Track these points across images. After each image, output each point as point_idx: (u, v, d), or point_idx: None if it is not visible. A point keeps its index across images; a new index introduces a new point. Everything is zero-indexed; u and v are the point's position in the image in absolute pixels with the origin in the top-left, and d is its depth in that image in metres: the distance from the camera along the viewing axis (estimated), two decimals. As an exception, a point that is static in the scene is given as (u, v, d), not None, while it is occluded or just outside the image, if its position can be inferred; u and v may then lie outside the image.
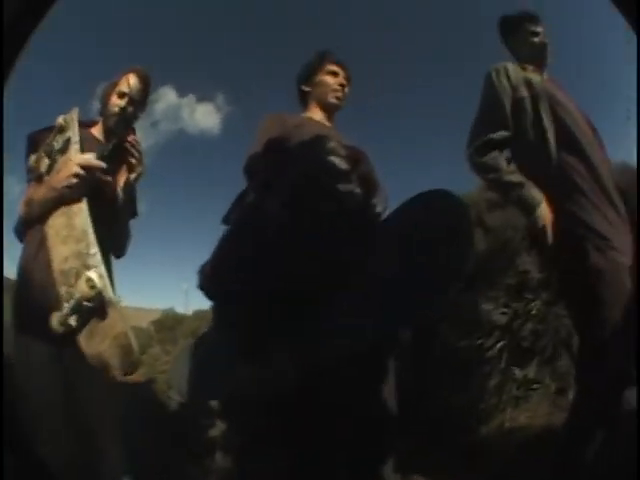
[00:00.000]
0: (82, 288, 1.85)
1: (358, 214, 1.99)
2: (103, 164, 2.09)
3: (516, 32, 2.57)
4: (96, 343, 1.84)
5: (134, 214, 2.49)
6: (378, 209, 2.08)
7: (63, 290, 1.92)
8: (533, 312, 4.27)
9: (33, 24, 1.48)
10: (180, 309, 9.25)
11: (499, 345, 4.25)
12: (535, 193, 2.28)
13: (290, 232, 1.84)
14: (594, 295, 2.23)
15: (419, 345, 4.32)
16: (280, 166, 2.05)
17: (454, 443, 3.61)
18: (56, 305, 1.91)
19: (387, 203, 2.13)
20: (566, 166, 2.34)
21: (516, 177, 2.32)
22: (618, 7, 1.54)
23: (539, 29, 2.52)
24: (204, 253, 2.03)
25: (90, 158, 2.07)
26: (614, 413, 2.24)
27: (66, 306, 1.87)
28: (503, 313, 4.36)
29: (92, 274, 1.87)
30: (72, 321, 1.87)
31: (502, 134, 2.38)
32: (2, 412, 1.38)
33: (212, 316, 2.31)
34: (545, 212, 2.26)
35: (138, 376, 5.44)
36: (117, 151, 2.23)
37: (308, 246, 1.81)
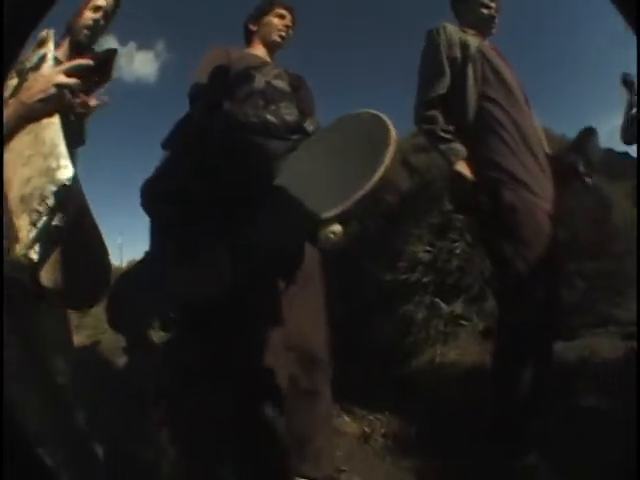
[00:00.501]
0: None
1: (292, 130, 2.22)
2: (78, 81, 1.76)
3: (466, 1, 2.71)
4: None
5: (83, 142, 2.30)
6: (310, 128, 2.30)
7: (23, 220, 1.44)
8: (457, 251, 4.47)
9: (33, 24, 1.43)
10: (116, 262, 8.95)
11: (424, 280, 4.43)
12: (459, 147, 2.44)
13: (231, 143, 2.05)
14: (509, 233, 2.37)
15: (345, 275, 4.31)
16: (225, 90, 2.22)
17: (384, 375, 3.70)
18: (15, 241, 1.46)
19: (317, 124, 2.35)
20: (488, 117, 2.50)
21: (448, 134, 2.46)
22: (618, 7, 1.51)
23: (492, 4, 2.66)
24: (139, 206, 2.03)
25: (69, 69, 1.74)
26: (536, 351, 2.37)
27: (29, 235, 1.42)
28: (427, 251, 4.53)
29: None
30: (33, 254, 1.41)
31: (440, 91, 2.49)
32: (2, 412, 1.29)
33: (150, 234, 2.19)
34: (465, 168, 2.44)
35: (83, 338, 5.48)
36: (89, 71, 1.89)
37: (245, 156, 2.01)
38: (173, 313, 2.22)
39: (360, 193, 1.80)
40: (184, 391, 2.66)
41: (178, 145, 2.14)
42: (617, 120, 4.71)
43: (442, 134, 2.46)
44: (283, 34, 2.60)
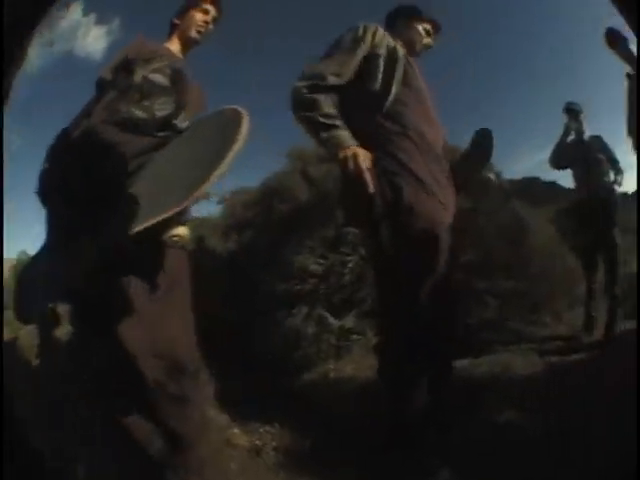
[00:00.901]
0: None
1: (161, 127, 2.09)
2: None
3: (408, 25, 2.64)
4: None
5: None
6: (182, 124, 2.14)
7: None
8: (350, 265, 4.27)
9: (33, 24, 1.45)
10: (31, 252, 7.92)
11: (314, 293, 4.24)
12: (346, 138, 2.16)
13: (102, 139, 1.96)
14: (406, 239, 2.18)
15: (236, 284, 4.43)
16: (111, 84, 2.17)
17: (276, 387, 3.58)
18: None
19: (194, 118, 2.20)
20: (400, 119, 2.31)
21: (331, 120, 2.18)
22: (618, 7, 1.53)
23: (429, 39, 2.65)
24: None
25: None
26: (432, 363, 2.23)
27: None
28: (319, 263, 4.33)
29: None
30: None
31: (337, 80, 2.27)
32: (2, 412, 1.37)
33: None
34: (356, 157, 2.10)
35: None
36: None
37: (111, 153, 1.94)
38: (52, 303, 2.28)
39: (194, 194, 1.70)
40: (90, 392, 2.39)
41: (64, 140, 2.05)
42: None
43: (322, 120, 2.17)
44: (201, 29, 2.47)
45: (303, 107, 2.22)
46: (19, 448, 1.44)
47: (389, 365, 2.32)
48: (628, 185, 4.63)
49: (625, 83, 3.35)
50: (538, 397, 2.92)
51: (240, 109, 1.82)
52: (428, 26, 2.64)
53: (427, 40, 2.64)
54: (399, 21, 2.65)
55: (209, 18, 2.50)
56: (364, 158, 2.07)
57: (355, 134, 2.18)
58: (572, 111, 4.65)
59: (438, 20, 2.69)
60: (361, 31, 2.35)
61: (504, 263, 4.71)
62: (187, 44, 2.50)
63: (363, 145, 2.14)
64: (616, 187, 4.54)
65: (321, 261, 4.30)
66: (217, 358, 3.22)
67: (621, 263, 4.50)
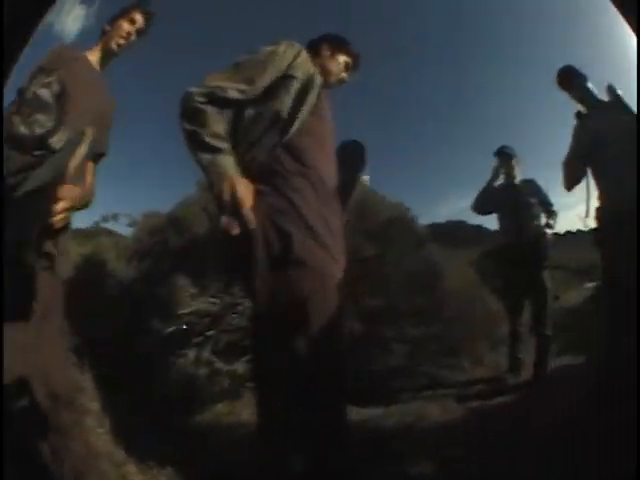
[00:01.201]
0: None
1: (36, 145, 2.00)
2: None
3: (332, 55, 2.47)
4: None
5: None
6: (58, 145, 2.01)
7: None
8: (240, 308, 3.98)
9: (33, 24, 1.47)
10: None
11: (207, 334, 3.95)
12: (229, 166, 1.88)
13: None
14: (292, 295, 1.91)
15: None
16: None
17: (172, 426, 3.39)
18: None
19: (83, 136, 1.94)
20: (301, 156, 2.04)
21: (217, 141, 1.91)
22: (618, 7, 1.54)
23: (346, 75, 2.51)
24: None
25: None
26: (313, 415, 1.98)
27: None
28: (212, 303, 4.05)
29: None
30: None
31: (239, 95, 2.01)
32: (2, 412, 1.43)
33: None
34: (236, 189, 1.82)
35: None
36: None
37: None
38: None
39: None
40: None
41: None
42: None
43: (208, 139, 1.89)
44: (122, 42, 2.39)
45: (190, 118, 1.94)
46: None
47: (270, 416, 2.08)
48: (563, 224, 4.48)
49: (574, 122, 3.37)
50: (457, 445, 2.73)
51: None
52: (350, 60, 2.48)
53: (344, 75, 2.47)
54: (323, 48, 2.45)
55: (133, 29, 2.42)
56: (247, 192, 1.81)
57: (244, 162, 1.95)
58: (503, 155, 4.48)
59: (361, 55, 2.55)
60: (282, 48, 2.12)
61: (413, 309, 4.52)
62: (107, 55, 2.41)
63: (250, 177, 1.90)
64: (547, 230, 4.33)
65: (213, 300, 4.02)
66: (113, 389, 3.28)
67: (551, 302, 4.31)
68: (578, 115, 3.38)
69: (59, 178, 1.76)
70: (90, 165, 2.20)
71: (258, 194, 1.87)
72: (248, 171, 1.90)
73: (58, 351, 2.08)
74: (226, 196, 1.77)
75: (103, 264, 5.32)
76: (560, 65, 3.36)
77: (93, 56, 2.36)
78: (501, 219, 4.47)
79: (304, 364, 1.87)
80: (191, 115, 1.93)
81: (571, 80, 3.38)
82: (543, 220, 4.35)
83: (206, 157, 1.86)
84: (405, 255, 4.78)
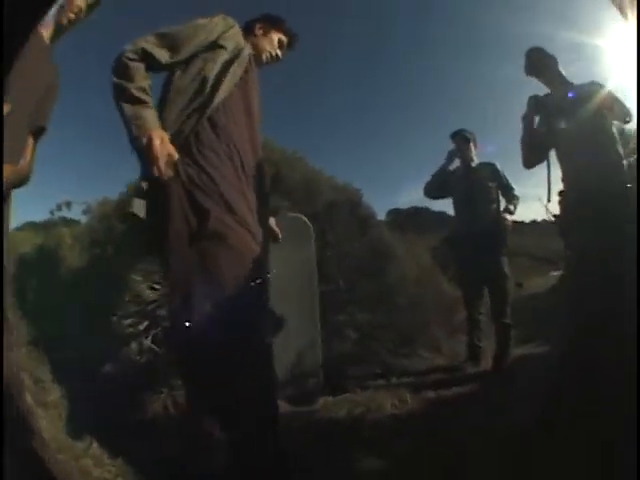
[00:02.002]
0: None
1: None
2: None
3: (265, 33, 2.50)
4: None
5: None
6: None
7: None
8: None
9: (33, 24, 1.52)
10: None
11: (145, 324, 3.84)
12: (150, 119, 1.91)
13: None
14: (206, 267, 1.90)
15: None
16: None
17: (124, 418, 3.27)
18: None
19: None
20: (221, 127, 2.06)
21: (142, 94, 1.94)
22: (617, 7, 1.57)
23: (280, 52, 2.53)
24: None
25: None
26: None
27: None
28: (153, 289, 3.97)
29: None
30: None
31: (167, 56, 2.06)
32: (2, 413, 1.41)
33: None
34: (154, 142, 1.84)
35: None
36: None
37: None
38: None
39: None
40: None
41: None
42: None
43: (134, 91, 1.92)
44: (72, 16, 2.28)
45: (119, 72, 1.96)
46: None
47: (197, 407, 2.06)
48: (529, 212, 4.42)
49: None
50: (409, 438, 2.68)
51: None
52: (284, 38, 2.52)
53: (278, 51, 2.50)
54: (257, 26, 2.48)
55: (84, 5, 2.32)
56: (163, 147, 1.83)
57: (171, 133, 1.94)
58: (460, 137, 4.40)
59: (296, 34, 2.59)
60: (216, 19, 2.17)
61: (362, 294, 4.47)
62: (58, 30, 2.32)
63: (174, 146, 1.91)
64: (507, 215, 4.22)
65: (155, 286, 3.94)
66: (69, 379, 3.27)
67: (510, 290, 4.25)
68: (536, 98, 3.31)
69: None
70: (30, 141, 2.11)
71: (180, 164, 1.88)
72: (172, 141, 1.89)
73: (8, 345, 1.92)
74: (144, 149, 1.81)
75: (55, 253, 5.25)
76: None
77: (46, 31, 2.26)
78: (456, 204, 4.42)
79: (225, 347, 1.81)
80: (120, 69, 1.94)
81: (542, 63, 3.28)
82: (502, 205, 4.28)
83: (129, 109, 1.88)
84: (350, 238, 4.72)
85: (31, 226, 6.78)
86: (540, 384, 3.02)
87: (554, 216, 3.31)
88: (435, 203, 4.69)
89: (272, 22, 2.50)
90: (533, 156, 3.30)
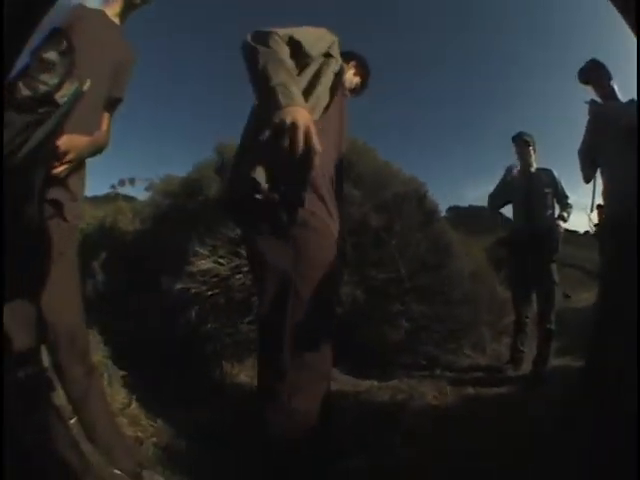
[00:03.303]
0: None
1: (41, 102, 1.88)
2: None
3: (347, 64, 2.44)
4: None
5: None
6: (62, 99, 1.88)
7: None
8: (246, 268, 3.88)
9: (33, 25, 1.47)
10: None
11: (210, 292, 3.94)
12: (299, 95, 1.83)
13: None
14: (296, 252, 1.90)
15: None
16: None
17: (168, 382, 3.44)
18: None
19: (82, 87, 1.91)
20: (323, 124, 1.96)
21: (293, 72, 1.90)
22: (618, 7, 1.51)
23: (359, 83, 2.57)
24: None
25: None
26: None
27: None
28: (219, 263, 4.01)
29: None
30: None
31: (307, 48, 2.06)
32: (2, 414, 1.39)
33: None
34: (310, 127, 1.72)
35: None
36: None
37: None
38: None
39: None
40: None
41: None
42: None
43: (288, 65, 1.86)
44: None
45: (268, 42, 1.88)
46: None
47: (267, 377, 2.04)
48: (578, 223, 4.39)
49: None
50: (445, 428, 2.78)
51: None
52: (359, 81, 2.57)
53: (357, 81, 2.55)
54: (350, 62, 2.51)
55: None
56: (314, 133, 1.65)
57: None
58: (521, 140, 4.43)
59: (370, 68, 2.60)
60: (324, 30, 2.18)
61: (419, 286, 4.47)
62: (127, 8, 2.40)
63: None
64: (560, 222, 4.24)
65: (221, 261, 3.99)
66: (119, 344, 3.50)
67: (557, 296, 4.29)
68: (593, 102, 3.36)
69: (59, 129, 1.78)
70: (105, 113, 2.23)
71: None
72: None
73: (71, 293, 2.15)
74: (290, 119, 1.61)
75: (116, 225, 5.45)
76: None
77: (111, 10, 2.36)
78: (514, 206, 4.43)
79: (300, 326, 1.85)
80: (268, 40, 1.87)
81: (597, 74, 3.32)
82: (556, 212, 4.31)
83: (279, 77, 1.75)
84: (414, 231, 4.71)
85: (92, 200, 6.81)
86: (573, 396, 3.06)
87: (595, 225, 3.41)
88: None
89: (361, 63, 2.57)
90: (591, 171, 3.34)
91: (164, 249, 4.43)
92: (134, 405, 2.98)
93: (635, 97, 2.76)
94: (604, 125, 3.25)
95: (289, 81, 1.74)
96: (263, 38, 1.89)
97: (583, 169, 3.42)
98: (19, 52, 1.47)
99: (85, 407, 2.15)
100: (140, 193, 6.09)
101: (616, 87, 3.24)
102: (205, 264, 3.97)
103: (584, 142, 3.44)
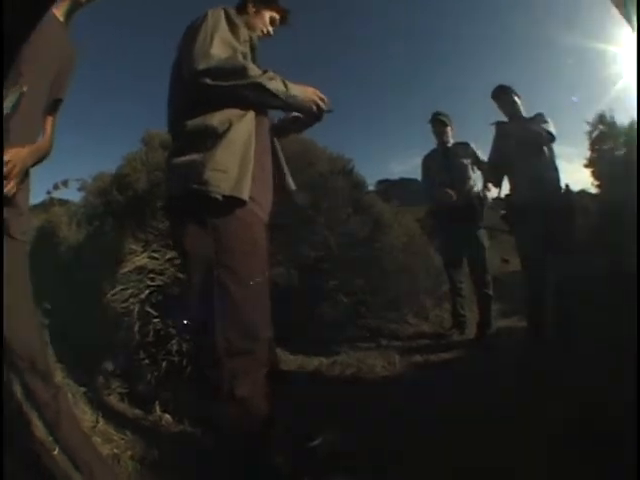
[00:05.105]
0: None
1: None
2: None
3: (257, 11, 2.51)
4: None
5: None
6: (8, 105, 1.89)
7: None
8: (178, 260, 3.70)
9: (33, 24, 1.44)
10: None
11: (147, 292, 3.71)
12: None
13: None
14: (219, 241, 1.97)
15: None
16: None
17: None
18: None
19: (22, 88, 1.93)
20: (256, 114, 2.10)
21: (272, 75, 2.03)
22: (618, 7, 1.56)
23: (271, 29, 2.56)
24: None
25: None
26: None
27: None
28: (153, 258, 3.84)
29: None
30: None
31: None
32: (2, 413, 1.46)
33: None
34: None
35: None
36: None
37: None
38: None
39: None
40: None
41: None
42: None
43: (265, 81, 1.98)
44: None
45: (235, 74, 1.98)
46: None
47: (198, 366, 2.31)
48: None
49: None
50: (398, 397, 2.82)
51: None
52: (277, 16, 2.54)
53: (269, 28, 2.52)
54: (249, 5, 2.48)
55: None
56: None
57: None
58: (437, 122, 4.67)
59: (288, 10, 2.61)
60: (218, 11, 2.17)
61: (354, 260, 4.56)
62: (73, 7, 2.29)
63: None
64: (486, 192, 4.49)
65: (155, 255, 3.85)
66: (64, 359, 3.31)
67: (489, 260, 4.47)
68: (498, 123, 4.01)
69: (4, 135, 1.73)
70: (49, 117, 2.16)
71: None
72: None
73: (25, 312, 2.06)
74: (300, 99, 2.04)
75: (55, 232, 5.17)
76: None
77: (59, 10, 2.24)
78: (439, 180, 4.55)
79: (228, 314, 1.87)
80: (235, 74, 1.96)
81: (503, 95, 3.97)
82: (479, 183, 4.52)
83: (280, 88, 1.99)
84: (342, 206, 4.78)
85: (31, 210, 6.44)
86: (519, 355, 3.28)
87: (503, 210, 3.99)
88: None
89: (262, 1, 2.51)
90: (500, 176, 4.03)
91: (101, 251, 4.29)
92: (102, 421, 2.90)
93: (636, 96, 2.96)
94: (508, 141, 3.88)
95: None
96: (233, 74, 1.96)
97: (493, 175, 4.13)
98: (19, 52, 1.48)
99: (59, 431, 2.07)
100: (73, 195, 5.88)
101: (521, 107, 3.92)
102: (140, 260, 3.83)
103: (492, 154, 4.10)
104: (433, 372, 3.36)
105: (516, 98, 3.87)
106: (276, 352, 2.47)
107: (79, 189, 5.58)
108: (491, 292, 4.28)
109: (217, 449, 2.08)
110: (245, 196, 1.89)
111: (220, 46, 2.00)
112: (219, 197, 1.84)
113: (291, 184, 2.34)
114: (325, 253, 4.40)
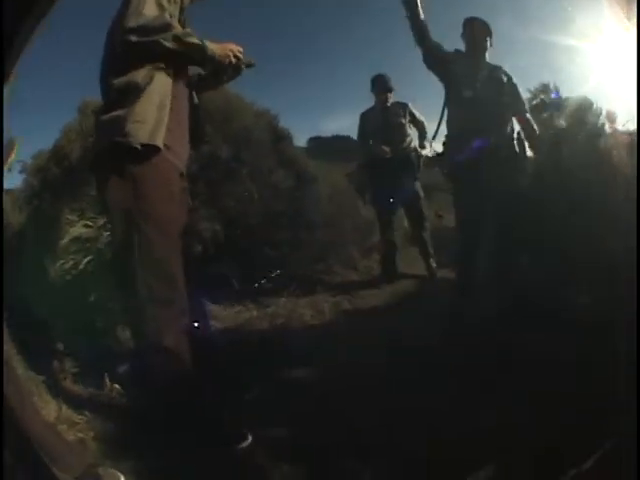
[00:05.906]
0: None
1: None
2: None
3: None
4: None
5: None
6: None
7: None
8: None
9: (33, 25, 1.47)
10: None
11: (86, 260, 3.71)
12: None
13: None
14: (138, 191, 2.04)
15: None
16: None
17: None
18: None
19: None
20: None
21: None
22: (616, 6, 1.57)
23: None
24: None
25: None
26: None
27: None
28: (88, 226, 3.84)
29: None
30: None
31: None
32: (2, 412, 1.39)
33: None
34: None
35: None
36: None
37: None
38: None
39: None
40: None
41: None
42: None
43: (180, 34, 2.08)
44: None
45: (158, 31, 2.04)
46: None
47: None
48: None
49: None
50: (329, 344, 2.94)
51: None
52: None
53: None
54: None
55: None
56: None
57: None
58: (378, 84, 4.75)
59: None
60: None
61: (278, 213, 4.55)
62: None
63: None
64: (421, 150, 4.69)
65: (89, 223, 3.86)
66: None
67: (426, 213, 4.68)
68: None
69: None
70: None
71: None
72: None
73: None
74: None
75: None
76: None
77: None
78: (374, 138, 4.72)
79: (148, 263, 1.95)
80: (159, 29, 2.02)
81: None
82: (415, 140, 4.71)
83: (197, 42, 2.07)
84: (264, 158, 4.81)
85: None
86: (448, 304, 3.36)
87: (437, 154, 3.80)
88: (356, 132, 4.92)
89: None
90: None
91: (41, 228, 4.20)
92: (64, 407, 2.77)
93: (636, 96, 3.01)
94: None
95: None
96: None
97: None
98: (19, 52, 1.46)
99: (28, 427, 1.88)
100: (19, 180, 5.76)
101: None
102: (76, 230, 3.86)
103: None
104: (362, 319, 3.51)
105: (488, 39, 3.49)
106: (205, 306, 2.66)
107: (20, 171, 5.51)
108: (429, 237, 4.52)
109: (151, 405, 2.16)
110: (160, 143, 1.96)
111: (152, 7, 2.03)
112: (138, 146, 1.91)
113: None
114: (249, 206, 4.39)
